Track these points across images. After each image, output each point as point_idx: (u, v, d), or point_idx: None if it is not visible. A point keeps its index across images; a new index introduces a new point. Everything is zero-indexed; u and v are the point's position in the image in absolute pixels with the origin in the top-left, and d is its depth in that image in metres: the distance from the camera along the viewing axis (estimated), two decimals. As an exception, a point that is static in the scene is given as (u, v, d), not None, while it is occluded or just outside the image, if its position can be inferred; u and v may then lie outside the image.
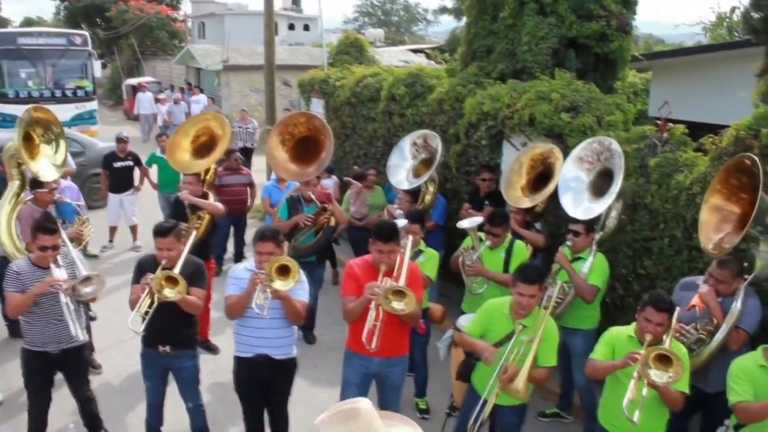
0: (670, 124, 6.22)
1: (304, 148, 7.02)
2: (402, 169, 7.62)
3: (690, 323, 4.59)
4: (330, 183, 8.95)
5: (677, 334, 4.46)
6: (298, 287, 4.59)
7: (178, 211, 6.85)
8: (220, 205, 6.97)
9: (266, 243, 4.64)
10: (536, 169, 6.61)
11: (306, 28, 42.71)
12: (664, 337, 4.02)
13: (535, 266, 4.67)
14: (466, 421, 4.66)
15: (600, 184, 5.82)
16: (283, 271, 4.47)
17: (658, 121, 6.36)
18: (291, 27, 43.20)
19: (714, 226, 4.73)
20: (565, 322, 5.53)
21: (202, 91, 22.30)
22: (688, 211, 5.48)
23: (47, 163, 6.52)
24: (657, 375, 3.75)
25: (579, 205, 5.83)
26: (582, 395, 5.74)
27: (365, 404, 2.11)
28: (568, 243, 5.60)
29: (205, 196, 6.92)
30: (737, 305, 4.46)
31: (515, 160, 6.73)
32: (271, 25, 13.12)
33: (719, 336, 4.46)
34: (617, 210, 5.69)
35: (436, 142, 7.47)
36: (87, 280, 4.80)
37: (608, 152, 5.77)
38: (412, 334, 5.91)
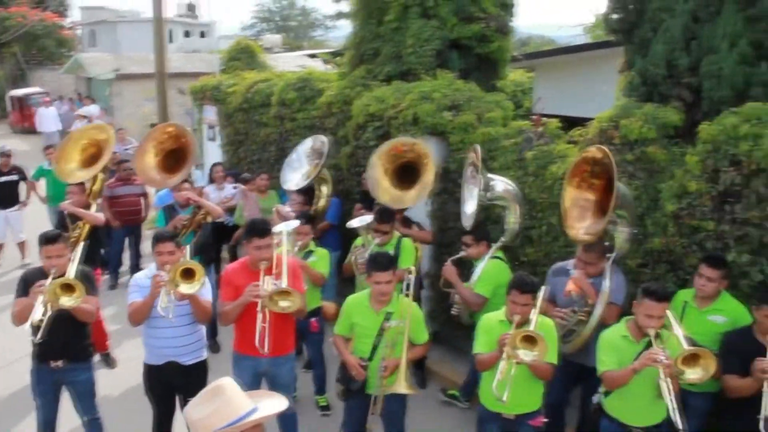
0: (545, 119, 6.61)
1: (174, 160, 7.04)
2: (297, 171, 7.71)
3: (568, 307, 4.95)
4: (230, 187, 8.94)
5: (559, 319, 4.83)
6: (202, 289, 4.63)
7: (62, 223, 6.79)
8: (99, 216, 6.97)
9: (166, 243, 4.69)
10: (395, 163, 6.66)
11: (202, 35, 41.98)
12: (531, 315, 4.31)
13: (384, 254, 4.87)
14: (353, 421, 4.88)
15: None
16: (188, 274, 4.50)
17: (533, 117, 6.75)
18: (187, 34, 42.30)
19: (576, 215, 5.06)
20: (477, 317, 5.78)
21: (94, 102, 21.56)
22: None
23: None
24: (525, 354, 4.04)
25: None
26: None
27: (228, 381, 2.25)
28: (463, 254, 5.77)
29: (88, 207, 6.89)
30: (607, 283, 4.84)
31: (372, 161, 6.74)
32: (162, 33, 12.87)
33: (596, 314, 4.81)
34: (516, 215, 5.80)
35: (320, 140, 7.63)
36: None
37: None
38: (307, 332, 6.06)
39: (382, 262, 4.61)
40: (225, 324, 4.87)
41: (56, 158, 7.31)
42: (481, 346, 4.47)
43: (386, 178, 6.62)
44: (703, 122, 5.02)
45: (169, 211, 7.06)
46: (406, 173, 6.62)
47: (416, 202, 6.53)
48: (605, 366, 4.16)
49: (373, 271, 4.56)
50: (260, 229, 4.72)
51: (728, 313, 4.50)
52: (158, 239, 4.74)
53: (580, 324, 4.86)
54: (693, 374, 3.82)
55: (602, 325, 4.74)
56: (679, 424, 3.78)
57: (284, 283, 4.57)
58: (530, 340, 4.05)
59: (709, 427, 4.71)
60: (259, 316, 4.54)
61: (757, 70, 5.17)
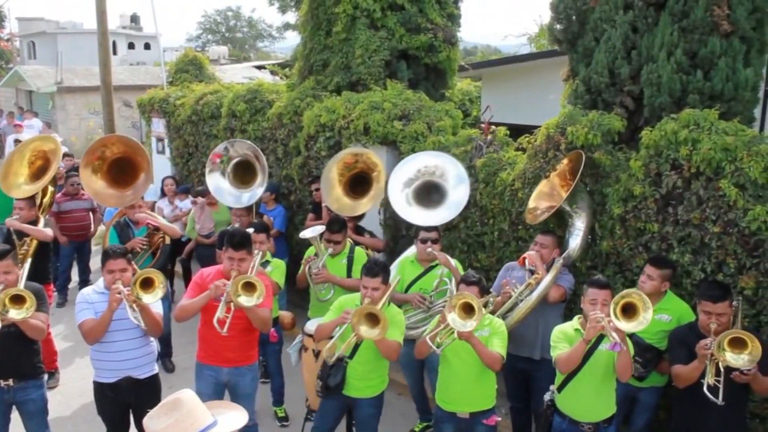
0: (494, 127, 6.74)
1: (120, 170, 6.74)
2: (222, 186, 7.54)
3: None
4: (187, 203, 8.81)
5: (507, 288, 5.10)
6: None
7: (9, 239, 6.52)
8: (47, 231, 6.73)
9: (118, 260, 4.53)
10: (352, 171, 6.70)
11: (147, 46, 41.24)
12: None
13: (378, 260, 4.90)
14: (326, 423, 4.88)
15: (423, 194, 6.13)
16: (148, 284, 4.41)
17: (482, 125, 6.88)
18: (131, 46, 41.59)
19: (535, 199, 5.51)
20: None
21: (36, 115, 20.98)
22: (513, 206, 5.98)
23: None
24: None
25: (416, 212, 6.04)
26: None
27: (187, 394, 2.23)
28: (429, 249, 5.68)
29: (35, 222, 6.67)
30: (555, 265, 5.11)
31: (326, 170, 6.74)
32: (107, 45, 12.65)
33: (543, 283, 5.01)
34: None
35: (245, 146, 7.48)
36: None
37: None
38: (265, 343, 6.01)
39: (374, 269, 4.65)
40: (178, 319, 4.77)
41: (1, 174, 7.10)
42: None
43: (339, 187, 6.65)
44: (644, 128, 5.22)
45: (123, 230, 6.83)
46: (358, 183, 6.66)
47: (368, 209, 6.59)
48: (558, 350, 4.33)
49: (364, 276, 4.63)
50: (236, 242, 4.72)
51: (673, 311, 4.68)
52: (109, 256, 4.55)
53: (526, 291, 5.04)
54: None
55: (544, 306, 4.99)
56: None
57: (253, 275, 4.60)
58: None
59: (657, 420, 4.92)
60: (222, 306, 4.50)
61: (692, 78, 5.39)
